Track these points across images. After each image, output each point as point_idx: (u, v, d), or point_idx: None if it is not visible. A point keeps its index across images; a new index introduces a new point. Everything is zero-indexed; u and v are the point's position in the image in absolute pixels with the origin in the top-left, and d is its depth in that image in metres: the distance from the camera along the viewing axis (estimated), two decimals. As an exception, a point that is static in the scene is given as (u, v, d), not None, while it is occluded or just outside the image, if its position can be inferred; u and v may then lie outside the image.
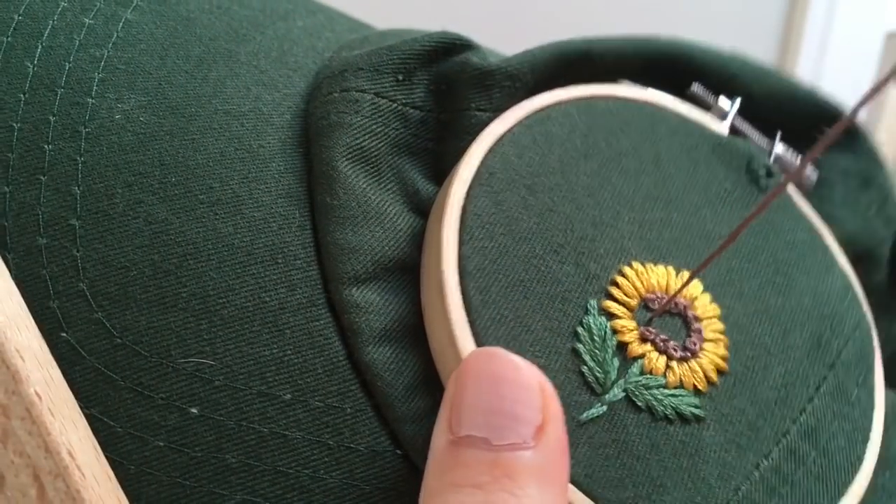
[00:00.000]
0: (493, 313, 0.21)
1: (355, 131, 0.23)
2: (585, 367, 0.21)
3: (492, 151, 0.23)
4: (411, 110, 0.24)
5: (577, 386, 0.21)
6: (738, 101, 0.27)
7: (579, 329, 0.21)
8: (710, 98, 0.27)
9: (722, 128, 0.27)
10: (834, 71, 1.16)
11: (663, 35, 0.27)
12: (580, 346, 0.21)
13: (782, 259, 0.25)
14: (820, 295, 0.24)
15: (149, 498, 0.20)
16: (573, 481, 0.20)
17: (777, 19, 1.14)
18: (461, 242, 0.21)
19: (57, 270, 0.20)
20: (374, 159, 0.23)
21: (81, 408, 0.20)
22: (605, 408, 0.21)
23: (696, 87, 0.27)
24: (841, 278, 0.26)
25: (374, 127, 0.23)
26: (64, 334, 0.20)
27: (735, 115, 0.27)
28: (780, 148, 0.27)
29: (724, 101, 0.27)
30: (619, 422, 0.21)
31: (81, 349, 0.20)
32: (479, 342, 0.20)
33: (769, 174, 0.26)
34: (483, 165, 0.22)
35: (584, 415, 0.20)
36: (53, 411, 0.18)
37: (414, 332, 0.22)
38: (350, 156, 0.23)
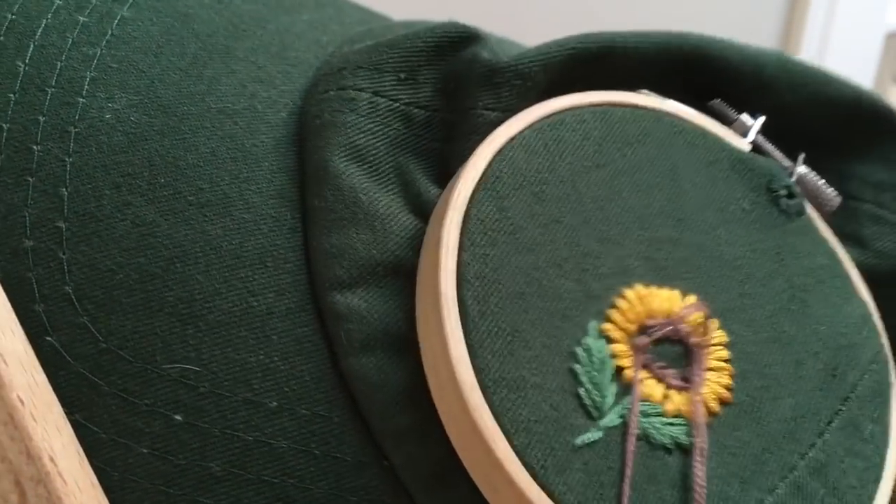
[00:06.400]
0: (490, 325, 0.20)
1: (349, 130, 0.22)
2: (583, 390, 0.20)
3: (500, 154, 0.22)
4: (415, 110, 0.23)
5: (572, 408, 0.20)
6: (762, 119, 0.26)
7: (578, 350, 0.21)
8: (731, 113, 0.26)
9: (743, 144, 0.25)
10: (834, 71, 1.16)
11: (691, 33, 0.25)
12: (578, 367, 0.20)
13: (798, 285, 0.24)
14: (836, 324, 0.23)
15: None
16: None
17: (777, 19, 1.14)
18: (461, 248, 0.20)
19: (43, 273, 0.20)
20: (371, 158, 0.22)
21: (65, 413, 0.20)
22: (601, 433, 0.20)
23: (717, 103, 0.26)
24: (860, 307, 0.24)
25: (371, 126, 0.23)
26: (49, 338, 0.20)
27: (758, 132, 0.26)
28: (802, 168, 0.26)
29: (746, 118, 0.26)
30: (615, 449, 0.20)
31: (66, 353, 0.20)
32: (474, 354, 0.19)
33: (790, 195, 0.25)
34: (490, 168, 0.22)
35: (579, 439, 0.20)
36: (36, 416, 0.18)
37: (401, 342, 0.21)
38: (343, 154, 0.22)
